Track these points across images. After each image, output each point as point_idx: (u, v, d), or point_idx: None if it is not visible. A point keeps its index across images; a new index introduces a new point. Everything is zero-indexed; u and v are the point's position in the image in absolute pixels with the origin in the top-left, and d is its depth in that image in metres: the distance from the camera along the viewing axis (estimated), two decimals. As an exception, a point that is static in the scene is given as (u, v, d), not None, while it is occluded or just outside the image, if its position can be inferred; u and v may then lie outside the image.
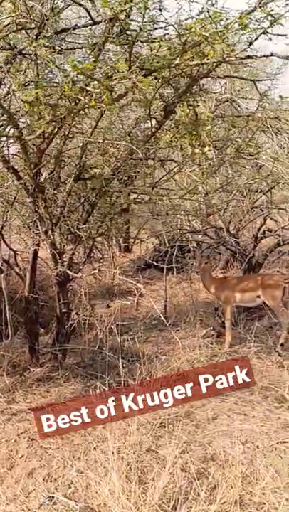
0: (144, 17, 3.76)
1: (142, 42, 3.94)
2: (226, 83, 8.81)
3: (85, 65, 3.11)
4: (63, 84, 3.15)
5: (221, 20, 3.93)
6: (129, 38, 3.80)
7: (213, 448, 4.17)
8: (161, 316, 6.74)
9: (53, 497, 3.76)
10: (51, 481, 3.92)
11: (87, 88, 3.25)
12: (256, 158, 7.53)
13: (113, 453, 3.84)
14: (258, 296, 6.81)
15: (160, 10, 3.83)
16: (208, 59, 4.64)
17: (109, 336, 6.92)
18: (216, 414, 4.75)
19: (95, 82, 3.29)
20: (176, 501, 3.60)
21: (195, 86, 5.29)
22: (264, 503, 3.71)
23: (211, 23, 3.58)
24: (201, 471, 3.95)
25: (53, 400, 4.97)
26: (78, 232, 5.23)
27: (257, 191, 8.93)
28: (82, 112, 3.98)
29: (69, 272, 5.22)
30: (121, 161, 5.47)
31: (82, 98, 3.39)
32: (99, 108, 3.77)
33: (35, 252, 5.76)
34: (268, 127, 7.18)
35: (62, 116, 4.17)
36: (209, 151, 7.09)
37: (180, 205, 8.29)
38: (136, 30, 4.55)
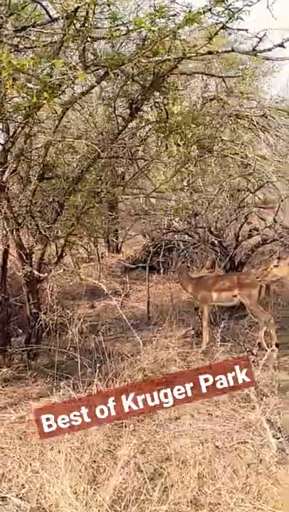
0: (93, 13, 3.73)
1: (92, 38, 3.90)
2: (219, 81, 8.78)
3: (21, 61, 3.08)
4: (5, 82, 3.12)
5: (175, 15, 3.91)
6: (80, 35, 3.76)
7: (171, 448, 4.12)
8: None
9: (5, 497, 3.73)
10: (5, 482, 3.88)
11: (28, 85, 3.22)
12: (243, 158, 7.51)
13: (66, 453, 3.82)
14: (235, 296, 6.77)
15: (108, 5, 3.78)
16: (168, 55, 4.63)
17: (88, 336, 6.93)
18: (179, 414, 4.70)
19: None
20: (128, 501, 3.56)
21: (162, 83, 5.26)
22: (219, 504, 3.67)
23: (159, 17, 3.53)
24: (158, 471, 3.91)
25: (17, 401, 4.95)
26: (43, 233, 5.20)
27: (244, 190, 8.91)
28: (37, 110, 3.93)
29: (36, 272, 5.18)
30: (89, 160, 5.46)
31: (25, 95, 3.37)
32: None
33: (6, 252, 5.72)
34: (254, 125, 7.16)
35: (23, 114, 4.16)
36: (194, 150, 7.09)
37: (160, 205, 8.29)
38: (99, 27, 4.54)
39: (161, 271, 8.93)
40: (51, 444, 4.11)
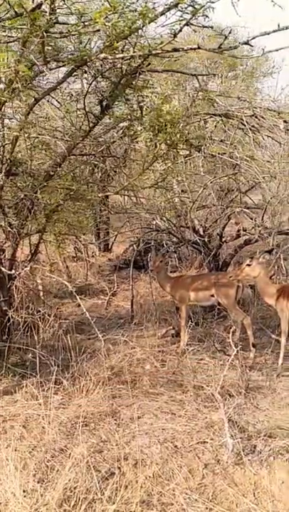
0: (52, 8, 3.70)
1: (48, 33, 3.86)
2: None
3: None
4: None
5: (134, 10, 3.87)
6: (38, 30, 3.73)
7: (129, 447, 4.08)
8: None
9: None
10: None
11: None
12: (231, 157, 7.48)
13: (22, 452, 3.79)
14: (212, 295, 6.72)
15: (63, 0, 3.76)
16: (134, 51, 4.60)
17: (70, 334, 6.88)
18: (142, 413, 4.66)
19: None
20: (78, 500, 3.53)
21: (132, 81, 5.23)
22: (172, 504, 3.62)
23: (113, 13, 3.50)
24: (113, 470, 3.87)
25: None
26: (14, 229, 5.17)
27: (233, 191, 8.88)
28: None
29: (3, 269, 5.16)
30: (60, 157, 5.43)
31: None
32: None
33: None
34: (244, 124, 7.13)
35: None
36: (182, 149, 7.06)
37: (143, 203, 8.27)
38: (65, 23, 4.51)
39: (149, 270, 8.91)
40: (8, 442, 4.08)
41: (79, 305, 9.33)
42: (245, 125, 7.06)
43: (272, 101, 8.09)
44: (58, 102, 6.13)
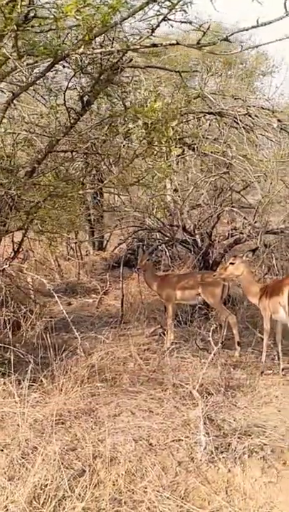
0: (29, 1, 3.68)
1: (22, 26, 3.84)
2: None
3: None
4: None
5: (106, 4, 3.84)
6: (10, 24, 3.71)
7: (104, 445, 4.04)
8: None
9: None
10: None
11: None
12: (224, 156, 7.44)
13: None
14: (198, 294, 6.70)
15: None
16: (112, 47, 4.58)
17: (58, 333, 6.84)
18: (120, 410, 4.62)
19: None
20: (48, 498, 3.49)
21: (113, 76, 5.20)
22: (143, 501, 3.59)
23: (84, 6, 3.47)
24: (86, 468, 3.83)
25: None
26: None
27: (227, 190, 8.84)
28: None
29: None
30: (42, 153, 5.41)
31: None
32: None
33: None
34: (237, 123, 7.10)
35: None
36: (175, 147, 7.01)
37: (130, 202, 8.24)
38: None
39: (136, 269, 8.87)
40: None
41: (69, 304, 9.39)
42: (239, 123, 7.04)
43: (266, 99, 8.05)
44: (43, 98, 6.09)
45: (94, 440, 4.11)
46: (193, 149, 7.62)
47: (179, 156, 8.23)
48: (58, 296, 8.50)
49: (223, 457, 3.90)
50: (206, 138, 7.49)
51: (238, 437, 4.07)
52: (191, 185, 8.72)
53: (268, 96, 8.74)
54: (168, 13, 4.26)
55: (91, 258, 12.41)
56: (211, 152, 7.50)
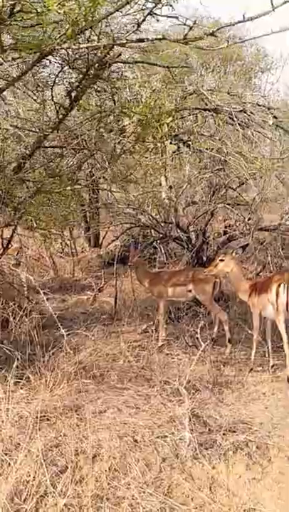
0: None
1: (6, 20, 3.81)
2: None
3: None
4: None
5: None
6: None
7: (88, 442, 4.02)
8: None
9: None
10: None
11: None
12: (219, 152, 7.41)
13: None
14: (190, 291, 6.67)
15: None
16: (98, 41, 4.55)
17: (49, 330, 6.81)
18: (107, 407, 4.59)
19: None
20: (30, 494, 3.48)
21: (102, 71, 5.17)
22: (126, 498, 3.57)
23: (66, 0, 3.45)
24: (70, 464, 3.81)
25: None
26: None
27: (222, 187, 8.81)
28: None
29: None
30: (29, 149, 5.38)
31: None
32: None
33: None
34: (233, 120, 7.06)
35: None
36: (170, 143, 6.97)
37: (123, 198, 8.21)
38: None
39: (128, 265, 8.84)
40: None
41: (63, 301, 9.38)
42: (234, 120, 7.01)
43: (262, 96, 8.02)
44: (33, 93, 6.06)
45: (78, 437, 4.08)
46: (188, 146, 7.59)
47: (174, 152, 8.21)
48: (49, 293, 8.53)
49: (208, 454, 3.89)
50: (202, 134, 7.46)
51: (224, 434, 4.06)
52: (185, 182, 8.69)
53: (264, 93, 8.74)
54: (154, 7, 4.24)
55: (87, 255, 12.40)
56: (206, 149, 7.46)
